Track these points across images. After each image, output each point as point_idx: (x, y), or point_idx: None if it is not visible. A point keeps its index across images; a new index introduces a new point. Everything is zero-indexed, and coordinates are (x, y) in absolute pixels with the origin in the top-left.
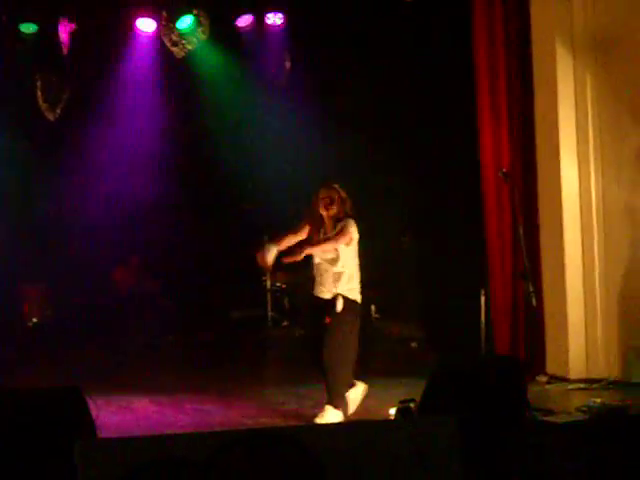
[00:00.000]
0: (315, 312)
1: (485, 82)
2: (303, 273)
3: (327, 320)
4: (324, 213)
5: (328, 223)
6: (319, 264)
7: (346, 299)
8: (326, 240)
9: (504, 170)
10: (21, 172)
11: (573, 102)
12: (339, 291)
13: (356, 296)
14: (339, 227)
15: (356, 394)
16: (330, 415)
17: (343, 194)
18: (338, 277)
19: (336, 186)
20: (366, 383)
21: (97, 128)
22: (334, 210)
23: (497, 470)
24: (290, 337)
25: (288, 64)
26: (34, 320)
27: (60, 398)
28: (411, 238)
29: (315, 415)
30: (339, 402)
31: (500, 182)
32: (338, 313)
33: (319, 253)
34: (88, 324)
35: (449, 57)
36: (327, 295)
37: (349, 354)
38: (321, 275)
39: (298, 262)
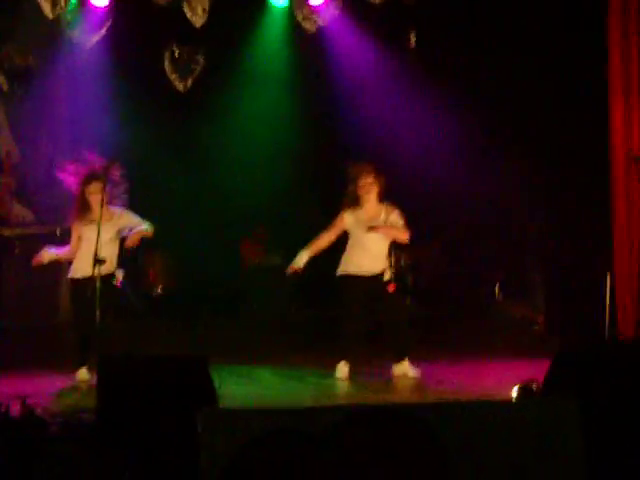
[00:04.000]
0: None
1: (617, 63)
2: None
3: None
4: (366, 196)
5: (369, 206)
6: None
7: None
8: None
9: (635, 153)
10: (153, 143)
11: None
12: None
13: None
14: (394, 213)
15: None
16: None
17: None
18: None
19: (377, 168)
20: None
21: (229, 99)
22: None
23: (619, 454)
24: (412, 314)
25: (413, 41)
26: (159, 290)
27: (186, 367)
28: (537, 222)
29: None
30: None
31: (629, 165)
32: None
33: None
34: (213, 295)
35: (580, 38)
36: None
37: None
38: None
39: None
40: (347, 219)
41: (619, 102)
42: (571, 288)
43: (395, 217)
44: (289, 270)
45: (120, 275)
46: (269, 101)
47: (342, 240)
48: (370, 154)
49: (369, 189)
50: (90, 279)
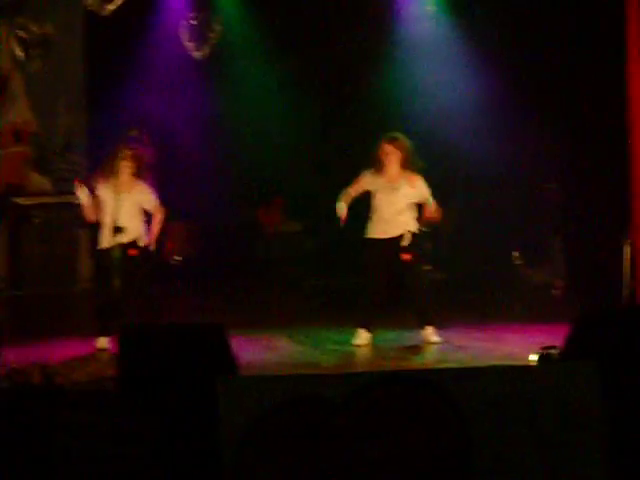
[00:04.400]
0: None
1: (635, 29)
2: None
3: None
4: (387, 161)
5: (390, 171)
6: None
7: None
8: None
9: None
10: (170, 112)
11: None
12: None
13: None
14: (418, 183)
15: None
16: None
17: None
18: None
19: (401, 138)
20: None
21: (242, 68)
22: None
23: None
24: (432, 281)
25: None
26: (177, 258)
27: (205, 335)
28: (555, 185)
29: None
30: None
31: None
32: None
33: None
34: (231, 263)
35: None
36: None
37: None
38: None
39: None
40: (366, 179)
41: (637, 67)
42: (591, 253)
43: (423, 190)
44: (341, 223)
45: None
46: (285, 69)
47: (363, 206)
48: (389, 119)
49: (390, 156)
50: (111, 248)
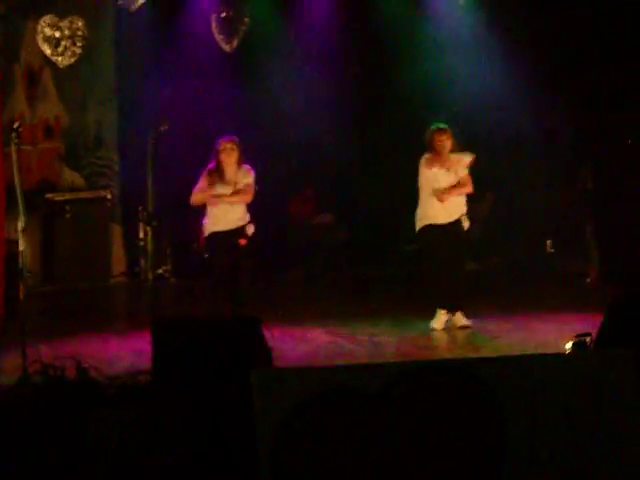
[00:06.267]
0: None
1: None
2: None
3: None
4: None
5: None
6: None
7: None
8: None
9: None
10: (200, 104)
11: None
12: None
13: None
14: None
15: None
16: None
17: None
18: None
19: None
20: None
21: (272, 61)
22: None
23: None
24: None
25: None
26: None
27: (240, 328)
28: (586, 171)
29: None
30: None
31: None
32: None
33: None
34: (261, 255)
35: None
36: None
37: None
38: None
39: None
40: (426, 167)
41: None
42: (624, 240)
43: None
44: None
45: (250, 231)
46: (314, 60)
47: (391, 201)
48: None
49: (445, 143)
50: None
